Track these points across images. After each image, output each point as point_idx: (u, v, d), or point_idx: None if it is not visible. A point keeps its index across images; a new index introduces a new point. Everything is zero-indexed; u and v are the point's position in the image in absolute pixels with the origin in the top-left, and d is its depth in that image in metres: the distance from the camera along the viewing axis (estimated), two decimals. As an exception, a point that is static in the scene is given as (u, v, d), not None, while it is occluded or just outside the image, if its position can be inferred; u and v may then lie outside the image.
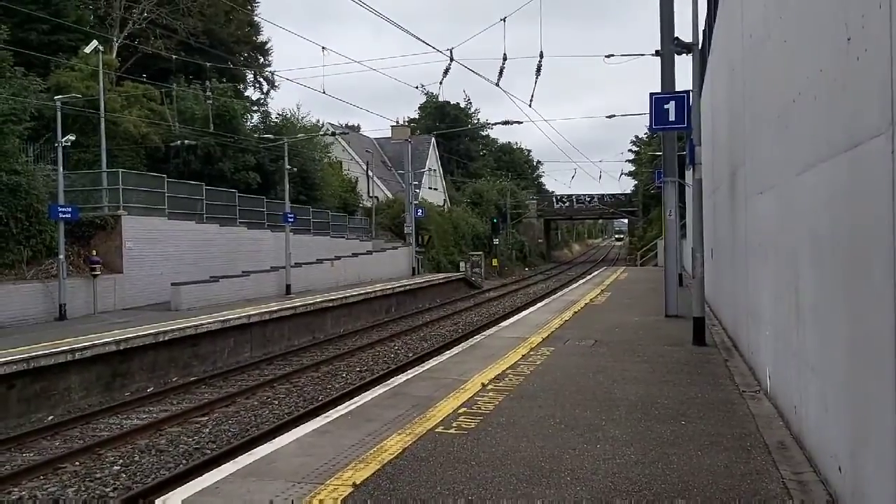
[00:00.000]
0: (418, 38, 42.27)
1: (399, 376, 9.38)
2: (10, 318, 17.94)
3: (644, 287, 23.58)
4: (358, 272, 32.80)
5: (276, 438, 6.58)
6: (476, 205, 58.73)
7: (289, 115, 37.22)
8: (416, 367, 10.11)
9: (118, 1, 32.69)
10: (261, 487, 5.09)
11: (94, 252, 20.83)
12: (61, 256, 18.96)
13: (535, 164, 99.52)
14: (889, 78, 3.36)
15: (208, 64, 31.63)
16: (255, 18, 43.29)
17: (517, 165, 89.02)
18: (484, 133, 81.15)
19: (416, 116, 73.56)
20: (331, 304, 22.97)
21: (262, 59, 45.81)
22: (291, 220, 27.51)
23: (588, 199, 70.57)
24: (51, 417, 12.50)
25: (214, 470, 5.69)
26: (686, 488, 4.92)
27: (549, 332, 12.95)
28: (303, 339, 20.66)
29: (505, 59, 20.11)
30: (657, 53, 15.04)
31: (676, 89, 14.12)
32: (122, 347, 14.35)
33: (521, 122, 51.19)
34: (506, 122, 32.46)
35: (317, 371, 16.00)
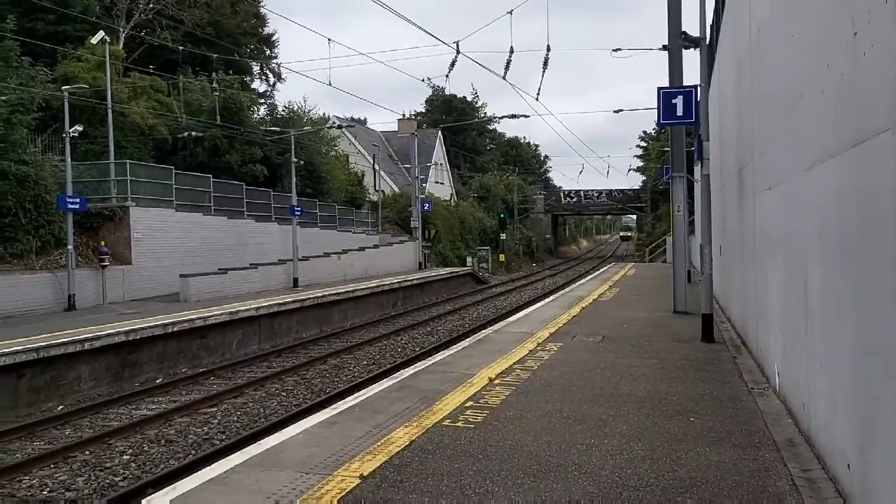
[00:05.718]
0: (423, 30, 42.19)
1: (406, 370, 9.42)
2: (20, 308, 18.05)
3: (652, 283, 23.54)
4: (365, 266, 32.85)
5: (285, 430, 6.62)
6: (483, 199, 58.68)
7: (295, 108, 37.26)
8: (424, 361, 10.13)
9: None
10: (269, 478, 5.13)
11: (103, 243, 20.93)
12: (70, 247, 19.04)
13: (542, 158, 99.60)
14: (895, 73, 3.35)
15: (215, 56, 31.64)
16: (262, 10, 43.31)
17: (524, 160, 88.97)
18: (491, 127, 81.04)
19: (423, 110, 73.51)
20: (338, 298, 23.01)
21: (268, 51, 45.82)
22: (298, 213, 27.54)
23: (596, 195, 70.34)
24: (61, 407, 12.58)
25: (223, 460, 5.73)
26: (694, 484, 4.93)
27: (557, 327, 12.95)
28: (311, 332, 20.72)
29: (512, 52, 20.11)
30: (665, 48, 14.99)
31: (685, 84, 14.08)
32: (131, 338, 14.43)
33: (528, 116, 50.65)
34: (512, 116, 32.29)
35: (324, 364, 16.06)
